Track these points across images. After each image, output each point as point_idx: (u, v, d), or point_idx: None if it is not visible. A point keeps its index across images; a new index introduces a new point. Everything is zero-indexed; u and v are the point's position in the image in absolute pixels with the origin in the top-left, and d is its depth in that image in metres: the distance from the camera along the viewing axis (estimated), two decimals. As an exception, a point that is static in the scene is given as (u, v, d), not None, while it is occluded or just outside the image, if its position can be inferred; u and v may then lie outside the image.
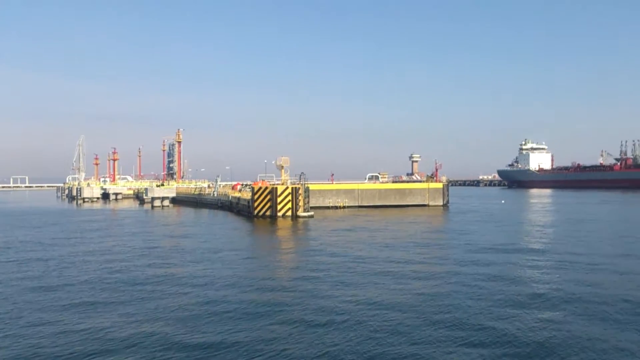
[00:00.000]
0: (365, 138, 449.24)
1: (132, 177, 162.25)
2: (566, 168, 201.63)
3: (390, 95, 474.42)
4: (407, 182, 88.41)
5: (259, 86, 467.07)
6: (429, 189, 78.58)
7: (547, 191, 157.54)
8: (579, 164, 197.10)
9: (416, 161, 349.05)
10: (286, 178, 60.36)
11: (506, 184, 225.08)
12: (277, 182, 59.75)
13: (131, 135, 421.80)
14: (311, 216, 58.62)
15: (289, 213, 57.90)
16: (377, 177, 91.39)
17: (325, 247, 33.98)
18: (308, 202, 60.27)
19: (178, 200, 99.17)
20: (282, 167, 60.25)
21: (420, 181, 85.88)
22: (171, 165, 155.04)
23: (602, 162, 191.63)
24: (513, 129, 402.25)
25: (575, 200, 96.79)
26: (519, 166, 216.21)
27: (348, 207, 74.94)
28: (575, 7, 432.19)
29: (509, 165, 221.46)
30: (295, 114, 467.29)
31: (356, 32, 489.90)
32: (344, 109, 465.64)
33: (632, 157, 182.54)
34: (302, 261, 28.67)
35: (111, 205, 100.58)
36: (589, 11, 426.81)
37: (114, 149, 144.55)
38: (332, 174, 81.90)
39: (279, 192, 57.91)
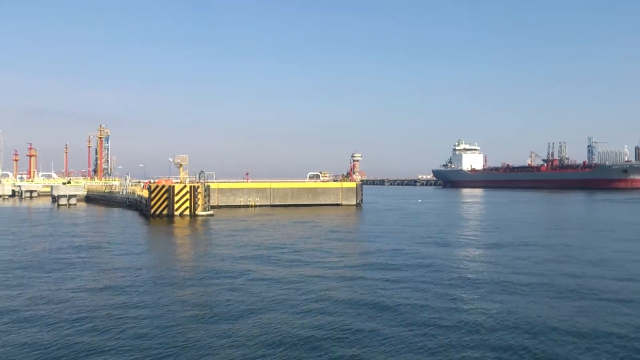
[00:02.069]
0: (308, 138, 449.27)
1: (57, 174, 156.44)
2: (496, 168, 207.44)
3: (332, 95, 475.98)
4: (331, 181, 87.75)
5: (199, 84, 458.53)
6: (342, 188, 78.55)
7: (478, 191, 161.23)
8: (508, 165, 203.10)
9: (357, 160, 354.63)
10: (185, 176, 58.80)
11: (441, 183, 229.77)
12: (175, 181, 58.17)
13: (64, 131, 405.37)
14: (211, 215, 57.28)
15: (187, 212, 56.41)
16: (318, 176, 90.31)
17: (198, 245, 32.92)
18: (208, 201, 58.87)
19: (92, 199, 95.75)
20: (181, 165, 58.63)
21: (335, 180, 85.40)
22: (98, 162, 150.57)
23: (530, 162, 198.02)
24: (450, 129, 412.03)
25: (491, 200, 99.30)
26: (453, 166, 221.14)
27: (260, 206, 73.95)
28: (502, 8, 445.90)
29: (443, 165, 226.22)
30: (237, 114, 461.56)
31: (294, 29, 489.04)
32: (285, 110, 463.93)
33: (558, 158, 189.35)
34: (161, 260, 27.41)
35: (24, 203, 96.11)
36: (516, 11, 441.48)
37: (30, 144, 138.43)
38: (247, 172, 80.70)
39: (176, 191, 56.27)
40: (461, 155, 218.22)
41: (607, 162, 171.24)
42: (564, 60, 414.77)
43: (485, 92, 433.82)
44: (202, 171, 58.77)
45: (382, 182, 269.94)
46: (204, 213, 57.08)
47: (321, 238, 37.30)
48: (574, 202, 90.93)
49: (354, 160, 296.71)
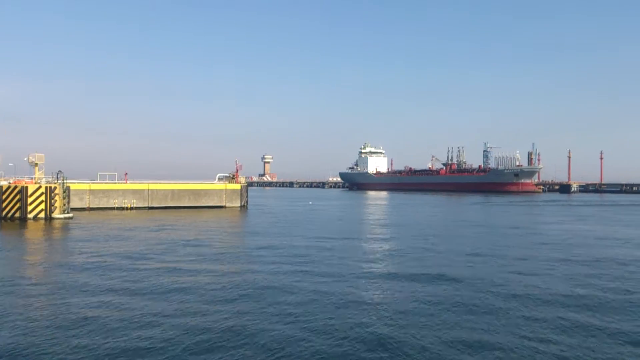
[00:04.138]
0: (219, 140, 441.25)
1: None
2: (400, 172, 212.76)
3: (243, 95, 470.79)
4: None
5: (103, 80, 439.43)
6: (226, 190, 76.60)
7: (382, 194, 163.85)
8: (410, 168, 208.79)
9: (268, 162, 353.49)
10: (40, 176, 54.73)
11: (348, 186, 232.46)
12: (27, 181, 54.05)
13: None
14: (70, 218, 53.68)
15: (42, 214, 52.51)
16: (228, 177, 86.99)
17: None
18: (68, 203, 55.17)
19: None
20: (37, 164, 54.52)
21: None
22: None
23: (430, 166, 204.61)
24: (359, 133, 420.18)
25: (381, 203, 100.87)
26: (359, 169, 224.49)
27: (136, 208, 70.54)
28: (408, 9, 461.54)
29: (350, 168, 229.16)
30: (141, 113, 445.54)
31: (215, 27, 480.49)
32: (195, 110, 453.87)
33: (456, 162, 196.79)
34: None
35: None
36: (422, 14, 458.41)
37: None
38: (126, 173, 76.87)
39: (29, 192, 52.22)
40: (367, 159, 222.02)
41: (500, 167, 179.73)
42: (467, 66, 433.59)
43: (392, 95, 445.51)
44: (60, 171, 54.95)
45: (291, 184, 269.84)
46: (62, 216, 53.36)
47: (164, 238, 35.46)
48: (447, 205, 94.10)
49: (265, 162, 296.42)
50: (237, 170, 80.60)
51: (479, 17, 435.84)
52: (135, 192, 71.38)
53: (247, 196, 78.69)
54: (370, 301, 18.72)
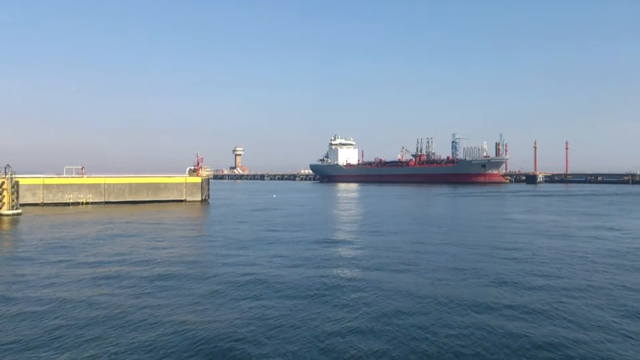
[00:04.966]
0: (192, 133, 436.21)
1: None
2: (370, 163, 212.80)
3: (215, 88, 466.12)
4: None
5: (66, 74, 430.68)
6: (186, 183, 75.33)
7: (352, 185, 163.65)
8: (380, 160, 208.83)
9: (239, 154, 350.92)
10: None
11: (319, 178, 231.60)
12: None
13: None
14: (18, 214, 52.15)
15: (-11, 211, 50.95)
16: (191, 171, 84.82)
17: None
18: (17, 199, 53.60)
19: None
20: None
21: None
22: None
23: (400, 157, 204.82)
24: (331, 125, 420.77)
25: (342, 195, 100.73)
26: (329, 161, 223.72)
27: (92, 203, 68.91)
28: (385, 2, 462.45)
29: (320, 160, 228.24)
30: (112, 105, 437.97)
31: (179, 17, 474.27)
32: (169, 103, 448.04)
33: (425, 153, 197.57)
34: None
35: None
36: (397, 6, 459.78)
37: None
38: (83, 167, 74.82)
39: (-25, 188, 50.60)
40: (337, 150, 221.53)
41: (467, 158, 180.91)
42: (435, 58, 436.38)
43: (364, 87, 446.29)
44: (7, 165, 53.28)
45: (262, 177, 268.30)
46: (10, 212, 51.73)
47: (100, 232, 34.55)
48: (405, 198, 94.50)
49: (236, 155, 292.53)
50: (198, 163, 79.20)
51: (444, 8, 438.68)
52: (91, 186, 69.70)
53: (208, 190, 77.48)
54: (291, 292, 18.33)
